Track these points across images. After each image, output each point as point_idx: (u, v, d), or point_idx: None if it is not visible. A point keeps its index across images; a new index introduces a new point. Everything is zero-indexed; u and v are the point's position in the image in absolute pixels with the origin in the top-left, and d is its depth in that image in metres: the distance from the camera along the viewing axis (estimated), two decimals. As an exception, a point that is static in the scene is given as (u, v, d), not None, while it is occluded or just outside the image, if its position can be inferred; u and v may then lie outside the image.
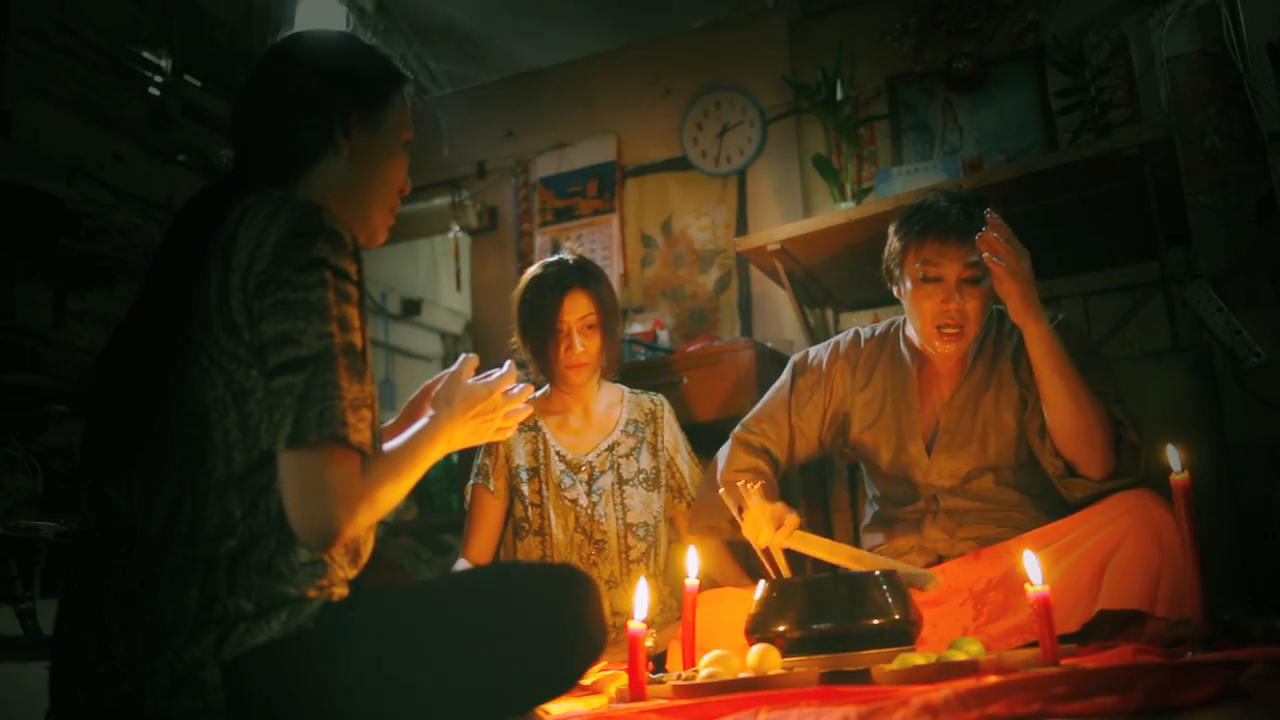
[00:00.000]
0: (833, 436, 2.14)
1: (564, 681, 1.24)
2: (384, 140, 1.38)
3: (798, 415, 2.12)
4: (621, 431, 2.31)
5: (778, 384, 2.18)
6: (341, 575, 1.21)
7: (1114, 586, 1.60)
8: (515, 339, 2.32)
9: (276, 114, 1.34)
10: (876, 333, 2.14)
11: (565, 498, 2.26)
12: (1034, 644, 1.59)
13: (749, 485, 1.88)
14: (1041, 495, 1.94)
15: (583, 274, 2.24)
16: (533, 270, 2.31)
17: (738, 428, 2.17)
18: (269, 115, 1.35)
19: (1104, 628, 1.57)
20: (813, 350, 2.19)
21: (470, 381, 1.42)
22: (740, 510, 1.91)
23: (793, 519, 1.85)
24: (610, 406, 2.34)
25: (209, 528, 1.14)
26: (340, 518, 1.13)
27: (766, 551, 1.85)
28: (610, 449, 2.29)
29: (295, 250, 1.16)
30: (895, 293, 2.02)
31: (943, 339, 1.91)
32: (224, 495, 1.14)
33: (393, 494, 1.21)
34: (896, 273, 1.98)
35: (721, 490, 1.98)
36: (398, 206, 1.43)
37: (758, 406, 2.19)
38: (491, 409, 1.43)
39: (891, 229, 2.00)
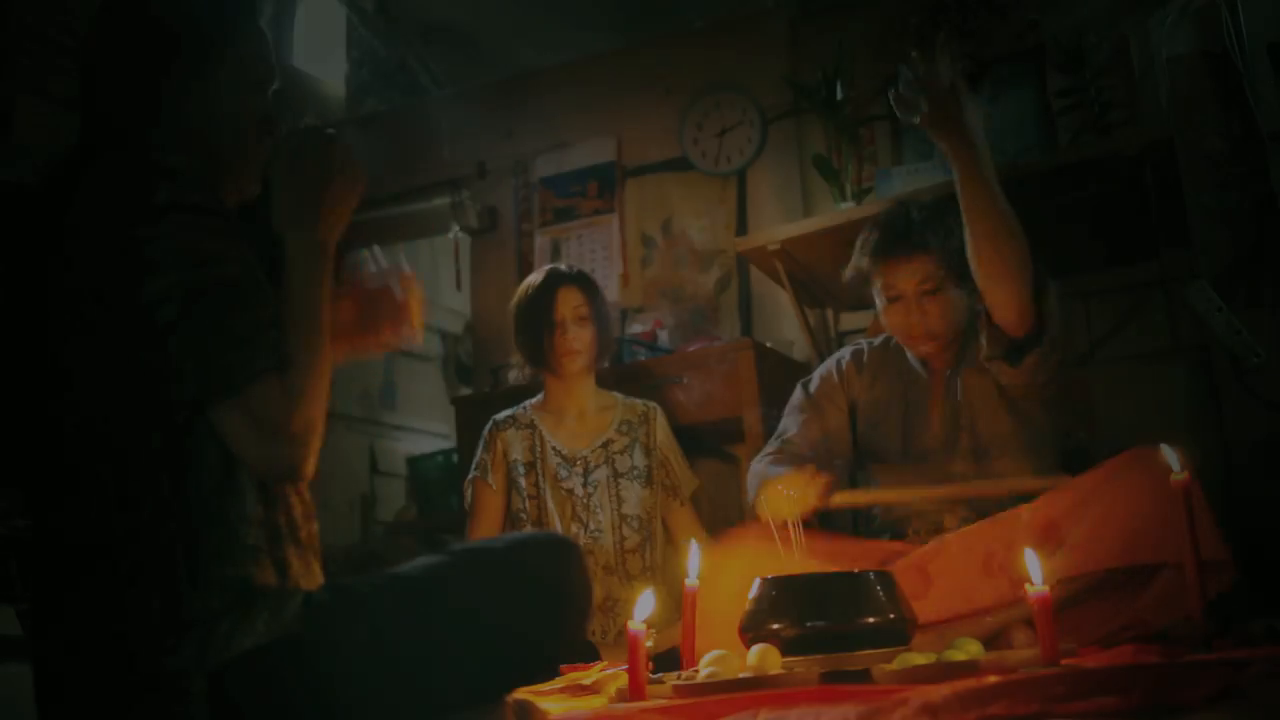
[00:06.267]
0: (851, 432, 2.18)
1: (559, 648, 1.25)
2: (229, 80, 1.27)
3: (828, 402, 2.16)
4: (615, 430, 2.43)
5: (792, 401, 2.21)
6: (296, 559, 1.18)
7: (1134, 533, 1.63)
8: (512, 342, 2.49)
9: (110, 73, 1.26)
10: (876, 344, 2.22)
11: (562, 488, 2.38)
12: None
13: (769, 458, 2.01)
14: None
15: (575, 274, 2.46)
16: (527, 279, 2.51)
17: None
18: (103, 75, 1.26)
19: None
20: (817, 370, 2.24)
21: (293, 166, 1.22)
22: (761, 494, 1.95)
23: (821, 480, 1.81)
24: (603, 410, 2.48)
25: (144, 515, 1.09)
26: (290, 443, 1.10)
27: (783, 528, 1.84)
28: (604, 445, 2.42)
29: (137, 206, 1.10)
30: (876, 305, 2.14)
31: (918, 344, 2.06)
32: (152, 474, 1.10)
33: (324, 371, 1.15)
34: (869, 289, 2.14)
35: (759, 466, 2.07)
36: (266, 146, 1.30)
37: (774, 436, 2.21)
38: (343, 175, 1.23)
39: (858, 242, 2.11)
